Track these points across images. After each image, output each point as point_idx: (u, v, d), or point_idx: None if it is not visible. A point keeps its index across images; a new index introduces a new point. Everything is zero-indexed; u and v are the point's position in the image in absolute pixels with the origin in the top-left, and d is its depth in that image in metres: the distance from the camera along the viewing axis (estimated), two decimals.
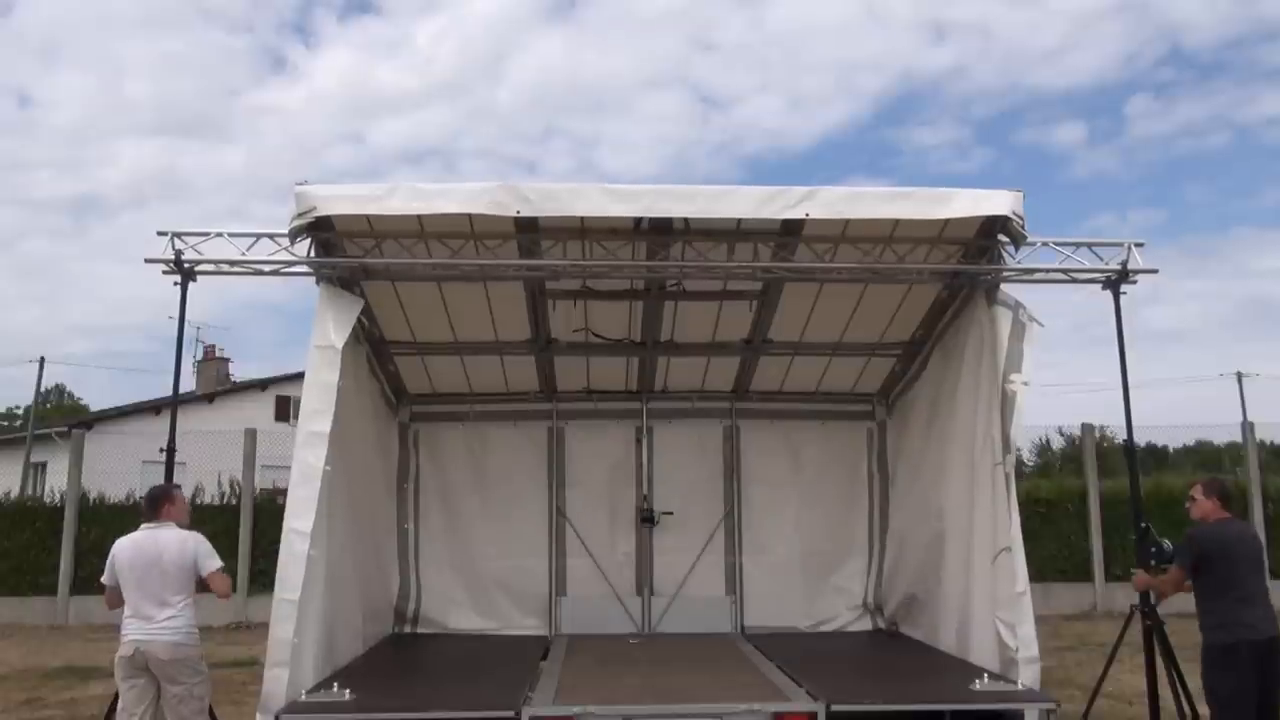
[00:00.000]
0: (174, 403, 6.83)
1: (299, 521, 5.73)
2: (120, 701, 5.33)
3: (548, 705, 5.40)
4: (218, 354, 33.56)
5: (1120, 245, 6.53)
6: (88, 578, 14.86)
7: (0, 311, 74.58)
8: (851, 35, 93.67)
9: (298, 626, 5.57)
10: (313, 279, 6.44)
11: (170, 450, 6.44)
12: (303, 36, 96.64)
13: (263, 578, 14.52)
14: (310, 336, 6.14)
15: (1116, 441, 17.15)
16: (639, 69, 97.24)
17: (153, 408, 25.75)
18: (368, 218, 6.31)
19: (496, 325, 8.11)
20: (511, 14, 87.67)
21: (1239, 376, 35.17)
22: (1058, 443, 23.74)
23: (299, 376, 6.24)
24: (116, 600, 5.41)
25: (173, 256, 6.20)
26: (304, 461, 5.86)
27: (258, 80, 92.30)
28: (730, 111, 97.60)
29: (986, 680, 5.74)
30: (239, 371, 34.45)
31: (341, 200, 6.04)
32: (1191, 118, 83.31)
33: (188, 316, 6.46)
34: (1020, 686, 5.75)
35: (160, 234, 6.26)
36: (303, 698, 5.40)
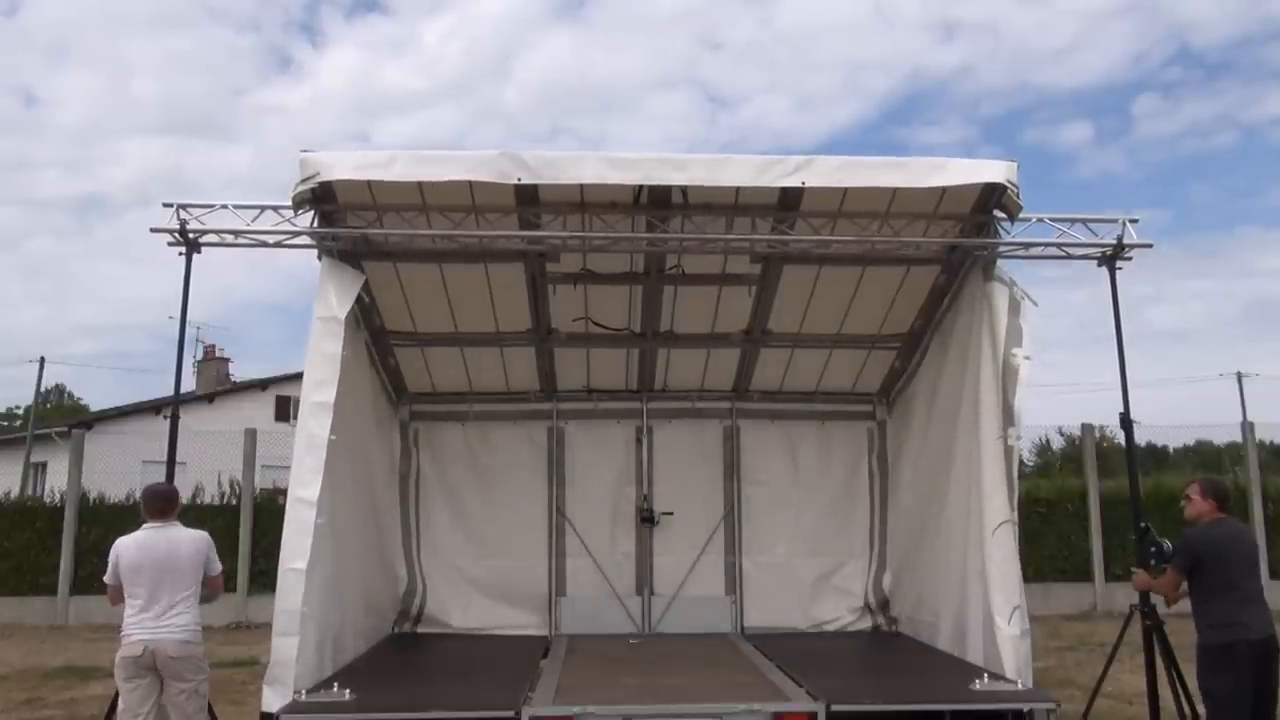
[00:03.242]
0: (177, 382, 6.75)
1: (305, 491, 5.76)
2: (122, 702, 5.31)
3: (548, 705, 5.39)
4: (218, 354, 33.59)
5: (1115, 221, 6.58)
6: (88, 578, 14.87)
7: (5, 311, 74.70)
8: (860, 35, 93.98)
9: (305, 596, 5.58)
10: (315, 278, 6.44)
11: (174, 419, 6.41)
12: (309, 35, 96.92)
13: (263, 578, 14.53)
14: (313, 310, 6.20)
15: (1116, 441, 17.14)
16: (647, 68, 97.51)
17: (153, 408, 25.75)
18: (370, 186, 6.37)
19: (497, 314, 8.11)
20: (519, 13, 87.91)
21: (1239, 377, 35.25)
22: (1058, 443, 23.77)
23: (299, 376, 6.26)
24: (118, 597, 5.42)
25: (177, 227, 6.24)
26: (309, 431, 5.90)
27: (264, 79, 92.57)
28: (737, 111, 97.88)
29: (986, 680, 5.73)
30: (239, 371, 34.55)
31: (345, 166, 6.09)
32: (1198, 117, 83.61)
33: (189, 317, 6.50)
34: (1020, 686, 5.75)
35: (166, 205, 6.31)
36: (303, 698, 5.39)
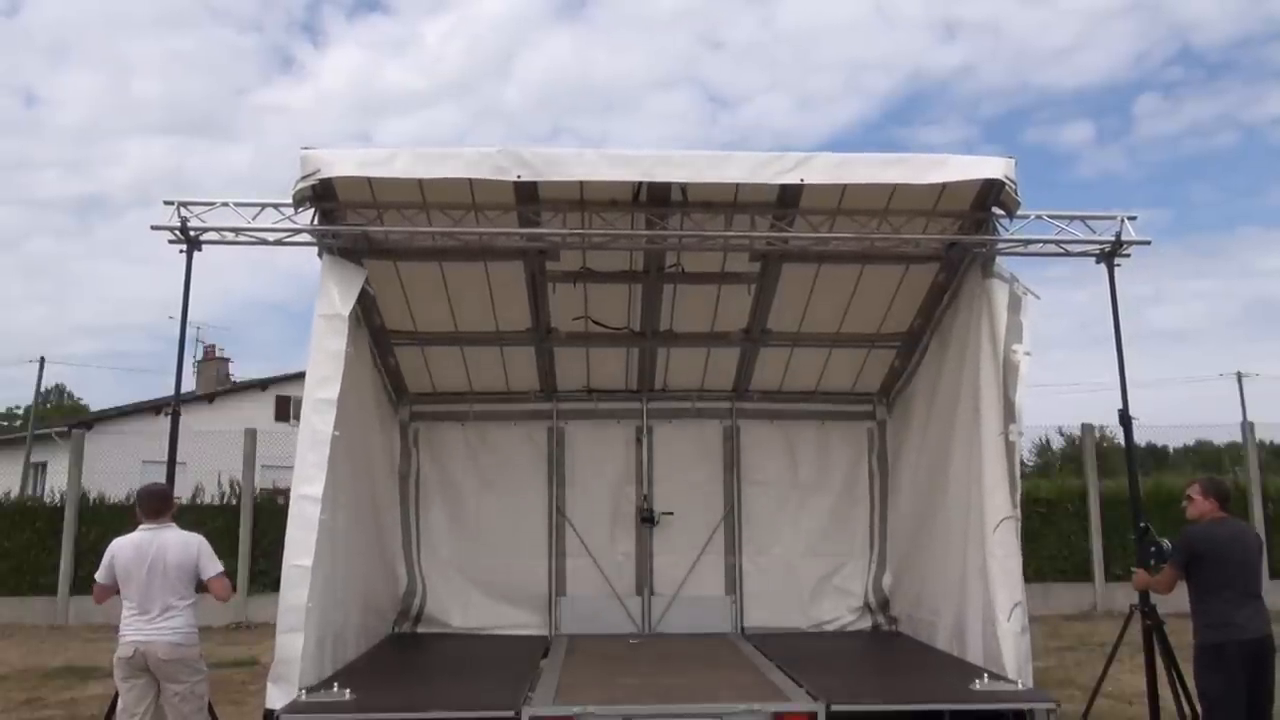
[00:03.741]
0: (178, 382, 6.75)
1: (309, 487, 5.76)
2: (120, 702, 5.34)
3: (548, 705, 5.39)
4: (218, 354, 33.60)
5: (1113, 218, 6.59)
6: (87, 578, 14.60)
7: (5, 311, 74.70)
8: (861, 34, 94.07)
9: (310, 591, 5.58)
10: (316, 277, 6.44)
11: (174, 418, 6.39)
12: (311, 35, 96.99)
13: (263, 578, 14.55)
14: (315, 309, 6.21)
15: (1116, 441, 17.13)
16: (648, 68, 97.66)
17: (153, 408, 25.75)
18: (370, 183, 6.39)
19: (497, 313, 8.11)
20: (520, 13, 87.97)
21: (1239, 376, 35.25)
22: (1058, 443, 23.69)
23: (299, 376, 6.27)
24: (104, 597, 5.46)
25: (178, 224, 6.25)
26: (313, 427, 5.90)
27: (265, 79, 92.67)
28: (738, 111, 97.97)
29: (986, 680, 5.73)
30: (239, 371, 34.56)
31: (346, 163, 6.11)
32: (1199, 117, 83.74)
33: (189, 317, 6.52)
34: (1020, 686, 5.75)
35: (167, 203, 6.33)
36: (303, 698, 5.39)
